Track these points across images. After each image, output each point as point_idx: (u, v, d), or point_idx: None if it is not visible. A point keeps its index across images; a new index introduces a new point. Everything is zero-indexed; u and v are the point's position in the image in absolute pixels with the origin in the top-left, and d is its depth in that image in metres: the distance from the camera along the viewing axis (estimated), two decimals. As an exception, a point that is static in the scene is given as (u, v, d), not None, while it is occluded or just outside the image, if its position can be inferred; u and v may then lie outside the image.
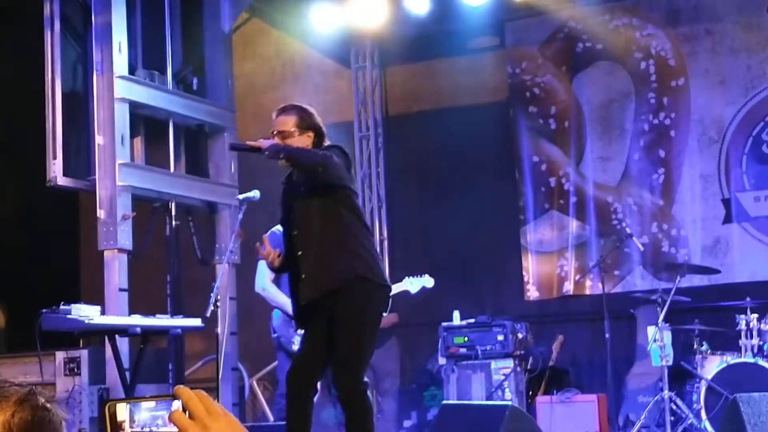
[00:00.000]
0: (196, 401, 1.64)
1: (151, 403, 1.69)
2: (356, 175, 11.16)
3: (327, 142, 5.87)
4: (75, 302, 6.98)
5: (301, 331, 6.22)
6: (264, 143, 5.77)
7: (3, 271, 10.43)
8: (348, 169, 5.83)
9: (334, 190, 5.73)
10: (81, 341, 8.35)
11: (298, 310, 5.85)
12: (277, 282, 7.63)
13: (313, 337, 5.79)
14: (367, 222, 6.10)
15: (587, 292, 10.68)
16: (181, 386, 1.67)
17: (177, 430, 1.64)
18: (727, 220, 10.16)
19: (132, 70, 8.16)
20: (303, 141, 5.77)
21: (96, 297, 7.83)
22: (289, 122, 5.80)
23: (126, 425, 1.68)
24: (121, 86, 7.92)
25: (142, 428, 1.68)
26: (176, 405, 1.66)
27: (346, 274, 5.66)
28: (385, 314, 5.88)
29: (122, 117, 7.92)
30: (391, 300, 5.92)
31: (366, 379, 5.72)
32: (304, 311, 5.80)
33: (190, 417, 1.63)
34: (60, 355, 7.82)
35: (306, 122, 5.82)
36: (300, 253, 5.75)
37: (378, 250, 11.18)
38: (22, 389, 1.64)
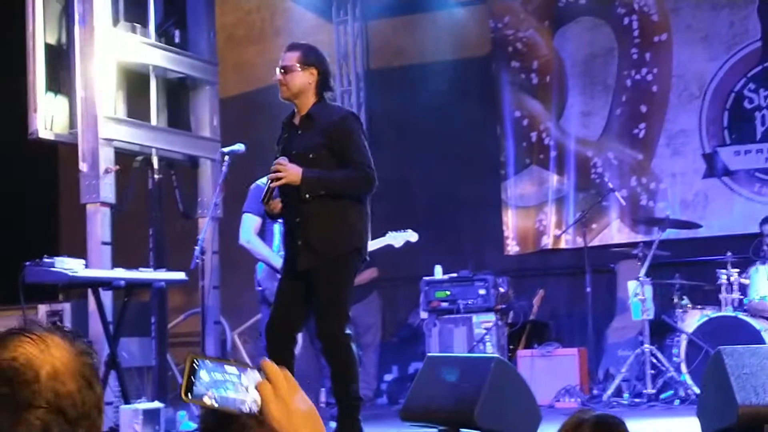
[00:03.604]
0: (282, 380, 1.66)
1: (231, 367, 1.67)
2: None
3: (333, 83, 6.06)
4: (53, 256, 6.94)
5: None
6: (294, 178, 5.70)
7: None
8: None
9: (346, 164, 5.82)
10: (60, 295, 8.32)
11: (286, 267, 5.95)
12: (261, 235, 7.63)
13: (290, 289, 5.89)
14: None
15: (565, 246, 10.73)
16: (268, 361, 1.68)
17: (258, 399, 1.65)
18: (708, 174, 10.22)
19: (114, 22, 8.08)
20: (304, 77, 5.87)
21: (75, 251, 7.77)
22: (293, 57, 5.92)
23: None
24: (103, 39, 7.84)
25: (207, 389, 1.65)
26: (252, 376, 1.67)
27: (346, 246, 5.79)
28: None
29: (104, 70, 7.84)
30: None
31: (349, 331, 5.79)
32: (290, 268, 5.89)
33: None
34: (43, 308, 7.81)
35: (309, 59, 5.92)
36: (298, 220, 5.81)
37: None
38: (62, 331, 1.63)
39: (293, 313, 5.88)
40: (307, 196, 5.71)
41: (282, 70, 5.90)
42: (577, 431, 2.35)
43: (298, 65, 5.87)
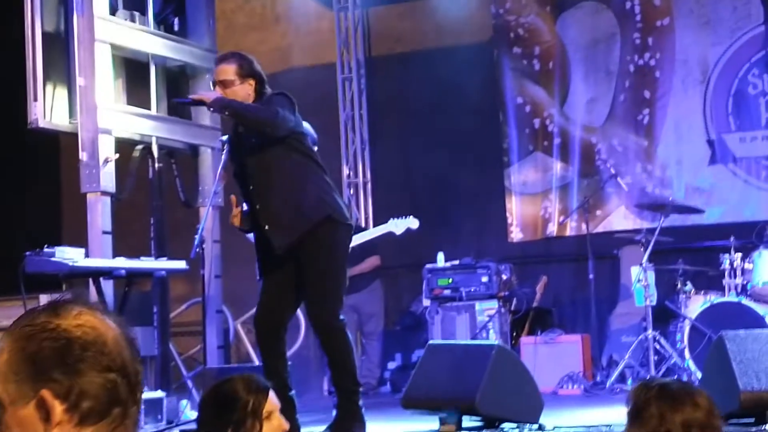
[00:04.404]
0: None
1: None
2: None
3: (268, 90, 5.86)
4: (55, 245, 6.92)
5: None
6: (208, 96, 5.75)
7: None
8: (293, 113, 5.80)
9: (285, 138, 5.71)
10: (63, 284, 8.29)
11: (266, 260, 5.90)
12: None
13: (273, 279, 5.87)
14: (321, 161, 6.01)
15: (569, 233, 10.69)
16: None
17: None
18: (712, 160, 10.17)
19: (113, 10, 8.04)
20: (244, 89, 5.78)
21: (76, 240, 7.76)
22: (230, 71, 5.79)
23: None
24: (102, 27, 7.80)
25: None
26: None
27: (316, 214, 5.72)
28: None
29: (103, 58, 7.81)
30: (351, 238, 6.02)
31: (342, 317, 5.75)
32: (270, 260, 5.84)
33: None
34: (44, 299, 7.77)
35: (246, 70, 5.81)
36: (258, 206, 5.75)
37: (359, 191, 11.23)
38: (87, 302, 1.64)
39: (280, 303, 5.88)
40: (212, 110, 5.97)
41: (221, 85, 5.79)
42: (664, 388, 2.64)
43: (236, 78, 5.77)
